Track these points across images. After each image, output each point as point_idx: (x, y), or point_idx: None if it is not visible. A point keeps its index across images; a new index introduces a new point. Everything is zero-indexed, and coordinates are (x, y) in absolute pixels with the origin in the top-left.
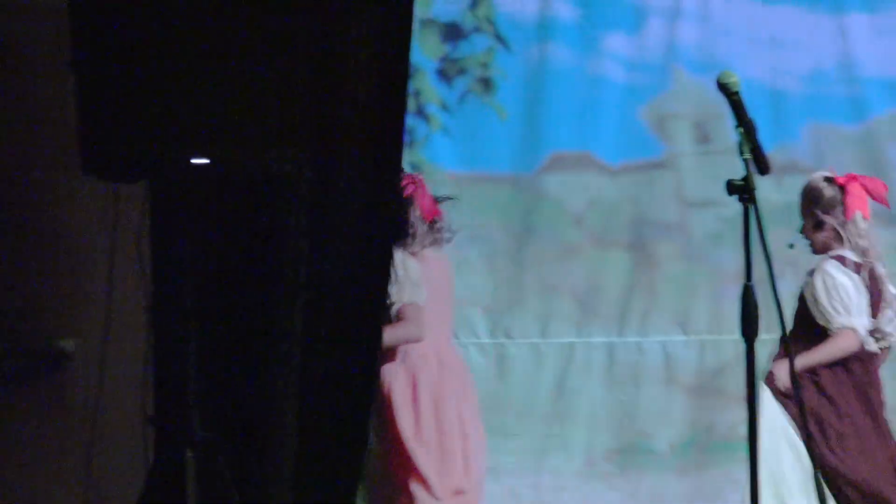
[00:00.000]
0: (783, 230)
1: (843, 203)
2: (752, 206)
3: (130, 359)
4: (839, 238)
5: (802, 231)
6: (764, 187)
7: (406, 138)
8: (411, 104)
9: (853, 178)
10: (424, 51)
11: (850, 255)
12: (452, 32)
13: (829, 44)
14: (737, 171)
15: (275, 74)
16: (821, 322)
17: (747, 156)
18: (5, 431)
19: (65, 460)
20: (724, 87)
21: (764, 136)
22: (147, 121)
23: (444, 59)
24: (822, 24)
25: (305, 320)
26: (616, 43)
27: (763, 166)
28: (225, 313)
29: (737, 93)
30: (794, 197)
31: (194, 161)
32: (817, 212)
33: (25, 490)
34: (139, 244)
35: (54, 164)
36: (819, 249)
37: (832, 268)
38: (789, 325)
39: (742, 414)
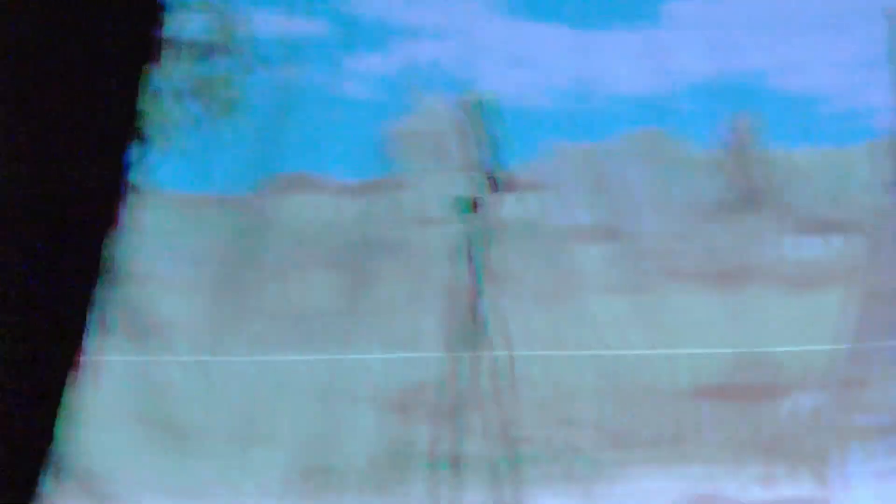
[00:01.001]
0: (517, 246)
1: None
2: (477, 224)
3: None
4: None
5: None
6: (502, 204)
7: (133, 159)
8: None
9: None
10: (162, 70)
11: None
12: (194, 51)
13: (573, 62)
14: (471, 189)
15: None
16: None
17: (481, 173)
18: None
19: None
20: (465, 106)
21: (505, 154)
22: None
23: (183, 79)
24: (566, 42)
25: None
26: (362, 62)
27: (497, 184)
28: None
29: (477, 111)
30: (532, 215)
31: None
32: None
33: None
34: None
35: None
36: None
37: None
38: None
39: (444, 431)
